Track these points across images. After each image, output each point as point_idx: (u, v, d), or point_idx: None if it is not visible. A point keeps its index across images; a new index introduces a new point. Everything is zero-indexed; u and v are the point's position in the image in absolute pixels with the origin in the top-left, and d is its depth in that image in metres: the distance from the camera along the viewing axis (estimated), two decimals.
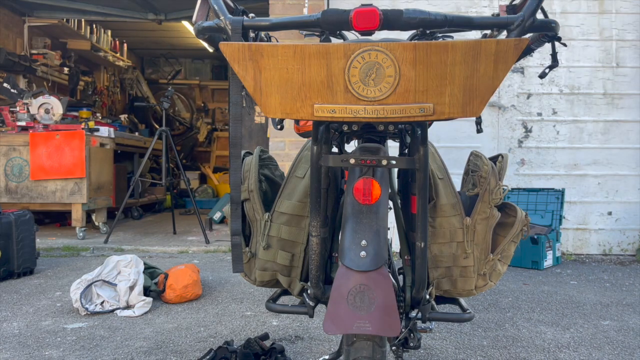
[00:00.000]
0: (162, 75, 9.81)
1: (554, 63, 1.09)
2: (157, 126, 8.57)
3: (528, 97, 4.16)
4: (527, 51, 1.06)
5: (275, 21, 0.94)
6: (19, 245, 3.19)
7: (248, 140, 5.47)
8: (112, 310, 2.48)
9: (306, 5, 4.09)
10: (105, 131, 5.09)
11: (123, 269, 2.58)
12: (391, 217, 1.18)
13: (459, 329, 2.27)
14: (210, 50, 8.70)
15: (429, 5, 4.15)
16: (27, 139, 4.50)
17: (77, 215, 4.56)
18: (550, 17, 0.95)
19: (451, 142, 4.09)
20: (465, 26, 0.93)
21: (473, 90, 0.82)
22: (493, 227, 1.27)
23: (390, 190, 1.30)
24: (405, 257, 1.28)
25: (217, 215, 5.59)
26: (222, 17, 0.92)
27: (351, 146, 1.41)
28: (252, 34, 0.99)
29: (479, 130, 1.22)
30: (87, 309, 2.45)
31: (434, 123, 1.31)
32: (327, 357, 1.63)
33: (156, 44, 8.90)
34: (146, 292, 2.61)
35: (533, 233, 3.67)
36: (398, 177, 1.45)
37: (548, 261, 3.64)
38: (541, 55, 4.06)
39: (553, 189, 3.86)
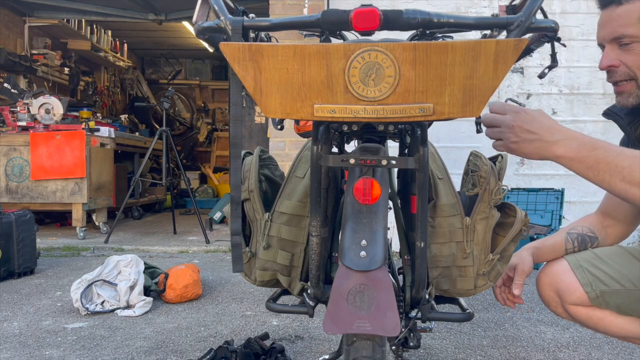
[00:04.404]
0: (163, 76, 9.81)
1: (554, 63, 1.09)
2: (157, 126, 8.57)
3: (528, 97, 4.16)
4: (527, 51, 1.06)
5: (275, 21, 0.94)
6: (20, 245, 3.19)
7: (248, 140, 5.47)
8: (113, 310, 2.49)
9: (306, 5, 4.09)
10: (105, 131, 5.09)
11: (123, 269, 2.59)
12: (391, 217, 1.18)
13: (458, 329, 2.27)
14: (211, 50, 8.71)
15: (429, 6, 4.15)
16: (27, 139, 4.50)
17: (78, 215, 4.56)
18: (550, 17, 0.95)
19: (451, 142, 4.09)
20: (465, 27, 0.93)
21: (473, 90, 0.82)
22: (493, 227, 1.27)
23: (390, 190, 1.30)
24: (405, 257, 1.28)
25: (217, 215, 5.59)
26: (222, 18, 0.92)
27: (351, 146, 1.41)
28: (252, 34, 0.99)
29: (479, 131, 1.22)
30: (87, 308, 2.45)
31: (434, 123, 1.31)
32: (327, 356, 1.63)
33: (156, 44, 8.90)
34: (146, 291, 2.62)
35: (533, 233, 3.67)
36: (398, 177, 1.45)
37: None
38: (541, 56, 4.06)
39: (553, 189, 3.86)
